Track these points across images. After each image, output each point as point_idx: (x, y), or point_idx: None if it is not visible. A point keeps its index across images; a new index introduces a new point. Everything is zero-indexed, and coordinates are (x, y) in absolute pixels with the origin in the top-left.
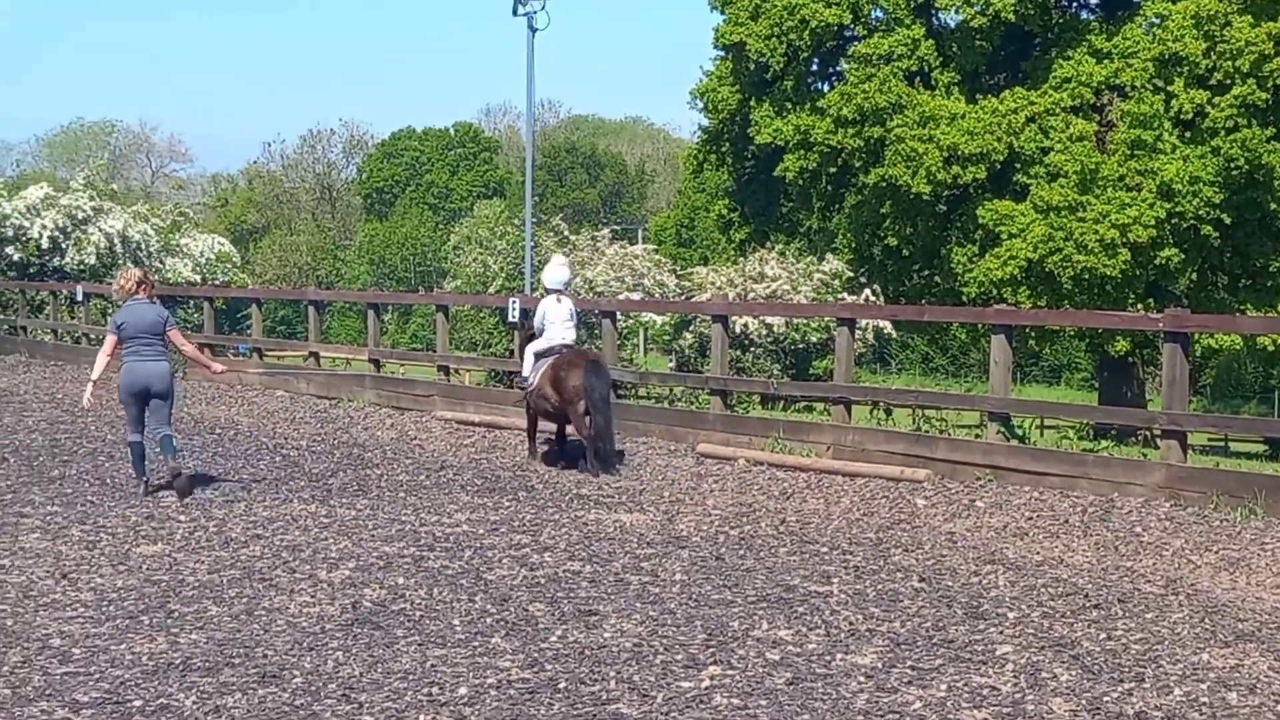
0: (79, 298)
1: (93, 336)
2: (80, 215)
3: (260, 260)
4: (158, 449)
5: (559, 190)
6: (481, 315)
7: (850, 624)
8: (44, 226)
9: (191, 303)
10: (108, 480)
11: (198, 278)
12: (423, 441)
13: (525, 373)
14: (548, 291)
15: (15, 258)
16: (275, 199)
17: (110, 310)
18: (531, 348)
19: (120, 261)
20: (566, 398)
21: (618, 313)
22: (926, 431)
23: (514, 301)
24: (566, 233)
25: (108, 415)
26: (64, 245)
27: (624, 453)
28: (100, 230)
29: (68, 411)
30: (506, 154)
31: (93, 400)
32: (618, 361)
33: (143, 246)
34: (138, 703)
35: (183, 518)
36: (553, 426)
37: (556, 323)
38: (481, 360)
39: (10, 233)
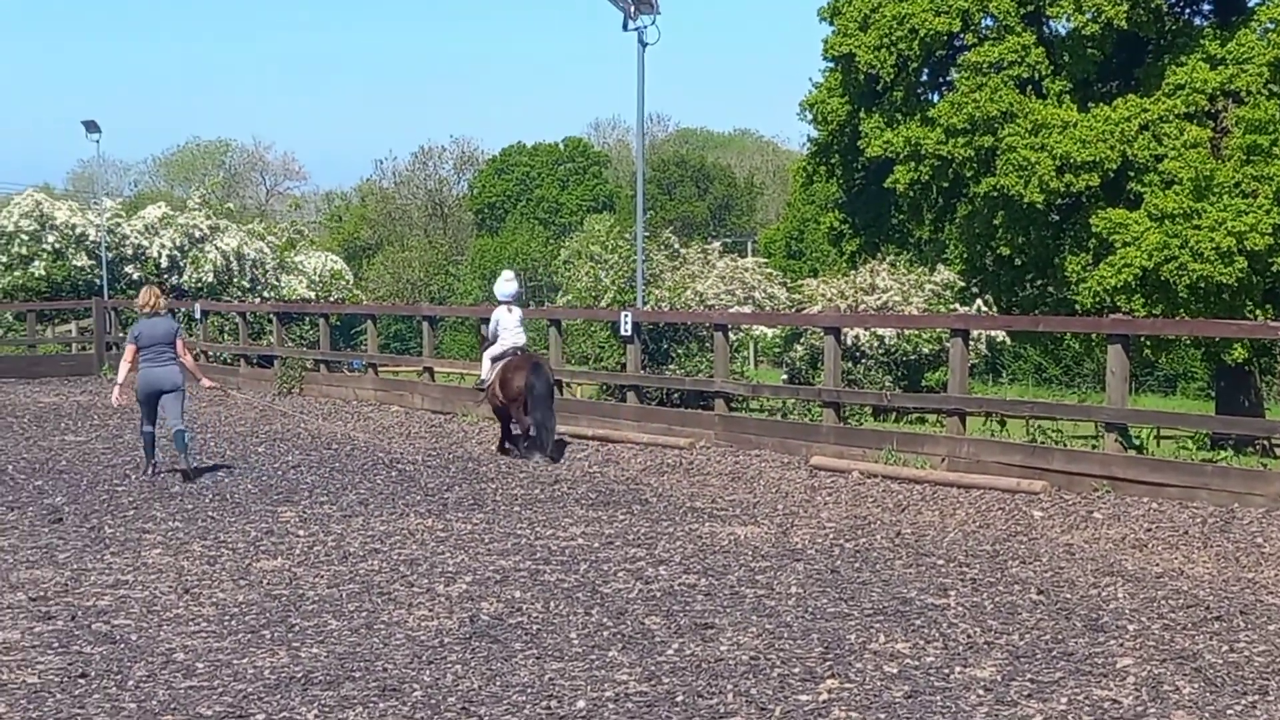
0: (197, 315)
1: (211, 354)
2: (197, 234)
3: (373, 276)
4: (172, 443)
5: (668, 203)
6: (593, 329)
7: (968, 637)
8: (162, 245)
9: (307, 319)
10: (227, 496)
11: (312, 294)
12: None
13: (484, 375)
14: (499, 303)
15: (135, 276)
16: (387, 215)
17: (223, 325)
18: (489, 353)
19: (236, 279)
20: (510, 396)
21: (729, 325)
22: (1042, 442)
23: (626, 315)
24: (677, 246)
25: (226, 432)
26: (182, 263)
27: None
28: (217, 248)
29: (186, 429)
30: (616, 168)
31: (121, 400)
32: (728, 374)
33: (259, 264)
34: (260, 717)
35: (301, 533)
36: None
37: (509, 329)
38: (594, 374)
39: (129, 252)
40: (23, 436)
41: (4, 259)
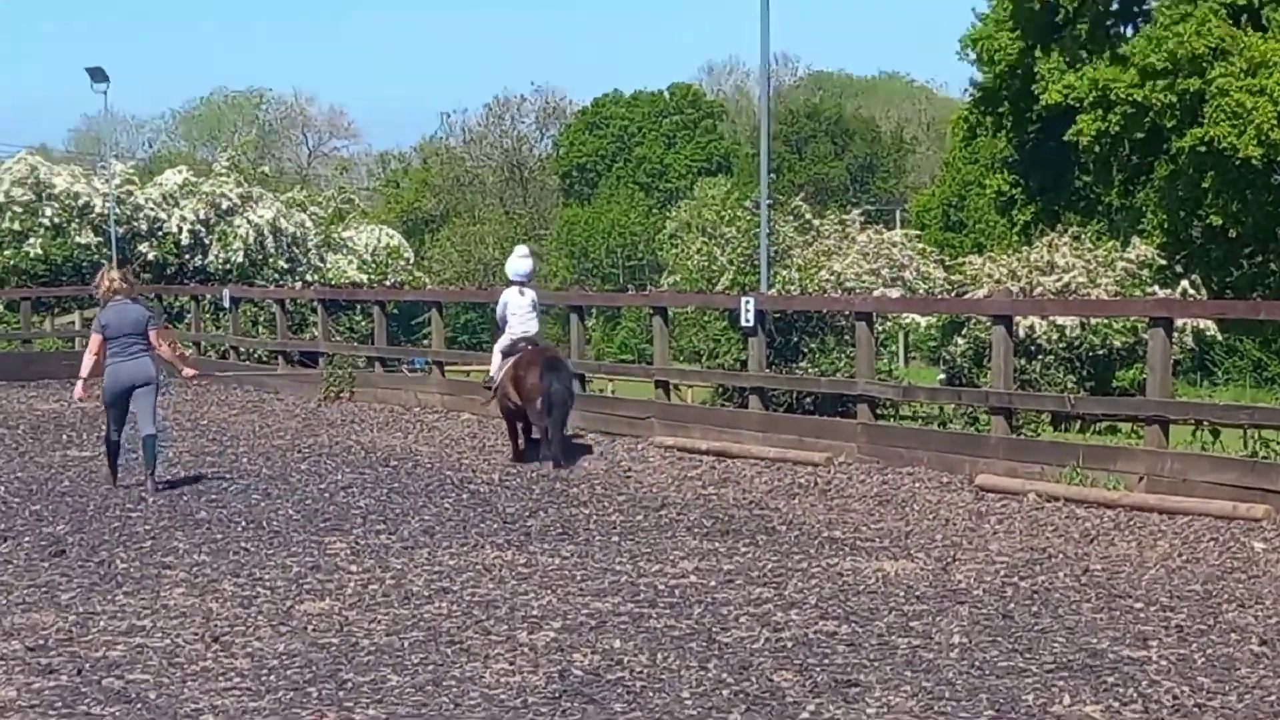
0: (225, 303)
1: (243, 350)
2: (225, 204)
3: (438, 255)
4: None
5: (798, 164)
6: (707, 318)
7: (1174, 698)
8: (183, 219)
9: (358, 308)
10: (264, 524)
11: (364, 277)
12: (638, 474)
13: (493, 372)
14: (510, 283)
15: (150, 256)
16: (455, 181)
17: (257, 315)
18: (497, 346)
19: (273, 259)
20: (525, 396)
21: (874, 313)
22: (1264, 458)
23: (748, 301)
24: (809, 216)
25: (261, 445)
26: (207, 241)
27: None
28: (249, 222)
29: (215, 441)
30: (734, 121)
31: (85, 394)
32: (873, 374)
33: (299, 240)
34: None
35: (354, 568)
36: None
37: (518, 314)
38: (707, 374)
39: (144, 227)
40: (16, 452)
41: None
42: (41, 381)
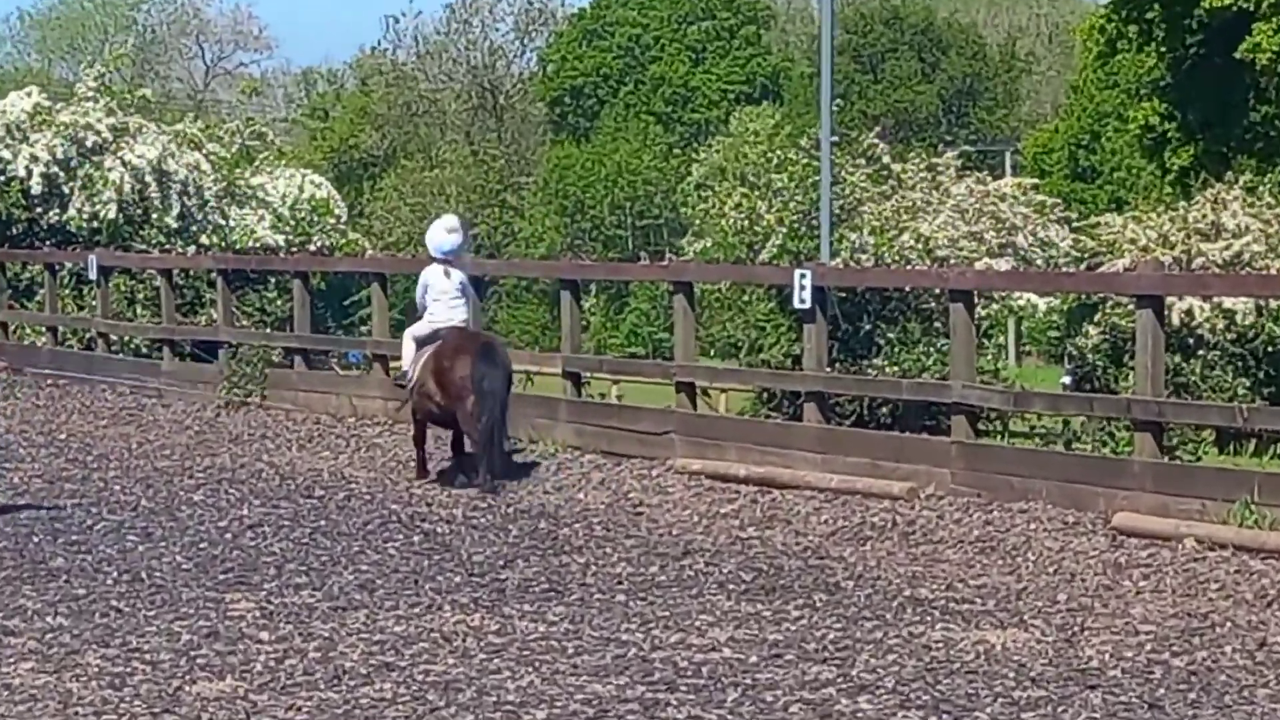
0: (92, 274)
1: (115, 339)
2: (91, 140)
3: (382, 211)
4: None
5: (872, 89)
6: (747, 299)
7: None
8: (34, 159)
9: (273, 281)
10: (143, 575)
11: (281, 239)
12: (653, 509)
13: (405, 365)
14: (433, 259)
15: None
16: (405, 110)
17: (135, 290)
18: (411, 332)
19: (157, 215)
20: (453, 393)
21: (975, 292)
22: None
23: (804, 275)
24: (886, 159)
25: (139, 468)
26: (66, 189)
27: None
28: (124, 164)
29: (75, 462)
30: (784, 30)
31: None
32: (973, 374)
33: (193, 189)
34: None
35: (265, 636)
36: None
37: (442, 299)
38: (747, 373)
39: None
40: None
41: None
42: None
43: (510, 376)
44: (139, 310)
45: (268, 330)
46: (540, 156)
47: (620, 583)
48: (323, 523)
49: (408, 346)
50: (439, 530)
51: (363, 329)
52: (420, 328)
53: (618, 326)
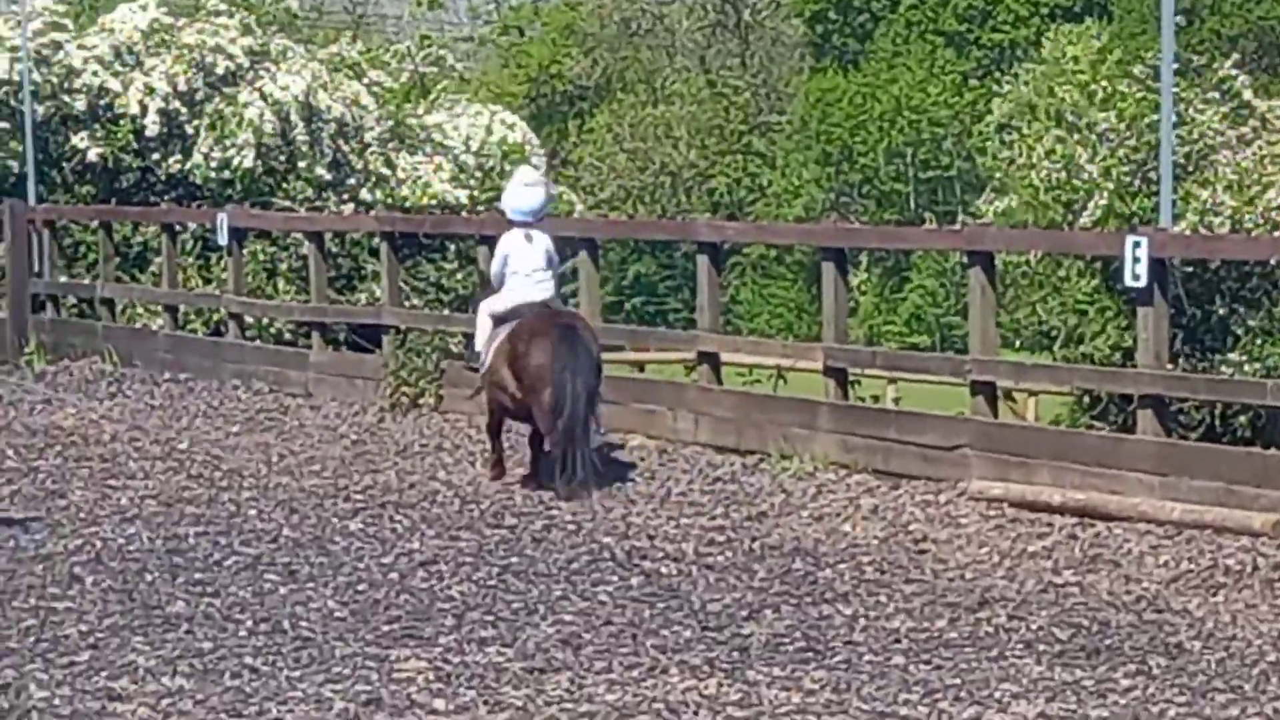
0: (222, 238)
1: (250, 321)
2: (223, 67)
3: (593, 157)
4: None
5: (1228, 3)
6: (1063, 273)
7: None
8: (149, 91)
9: (452, 248)
10: (285, 626)
11: (463, 194)
12: (941, 546)
13: (479, 346)
14: (512, 223)
15: (92, 156)
16: (623, 28)
17: (276, 259)
18: (487, 306)
19: (305, 163)
20: (528, 384)
21: None
22: None
23: (1137, 244)
24: (1247, 92)
25: (281, 488)
26: (190, 130)
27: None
28: (264, 98)
29: (200, 479)
30: None
31: None
32: None
33: (351, 130)
34: None
35: (440, 704)
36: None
37: (522, 271)
38: (1061, 370)
39: (81, 105)
40: None
41: None
42: None
43: (598, 364)
44: (281, 285)
45: (445, 312)
46: (796, 89)
47: (897, 640)
48: (515, 560)
49: (483, 324)
50: (663, 570)
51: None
52: (498, 302)
53: (895, 309)
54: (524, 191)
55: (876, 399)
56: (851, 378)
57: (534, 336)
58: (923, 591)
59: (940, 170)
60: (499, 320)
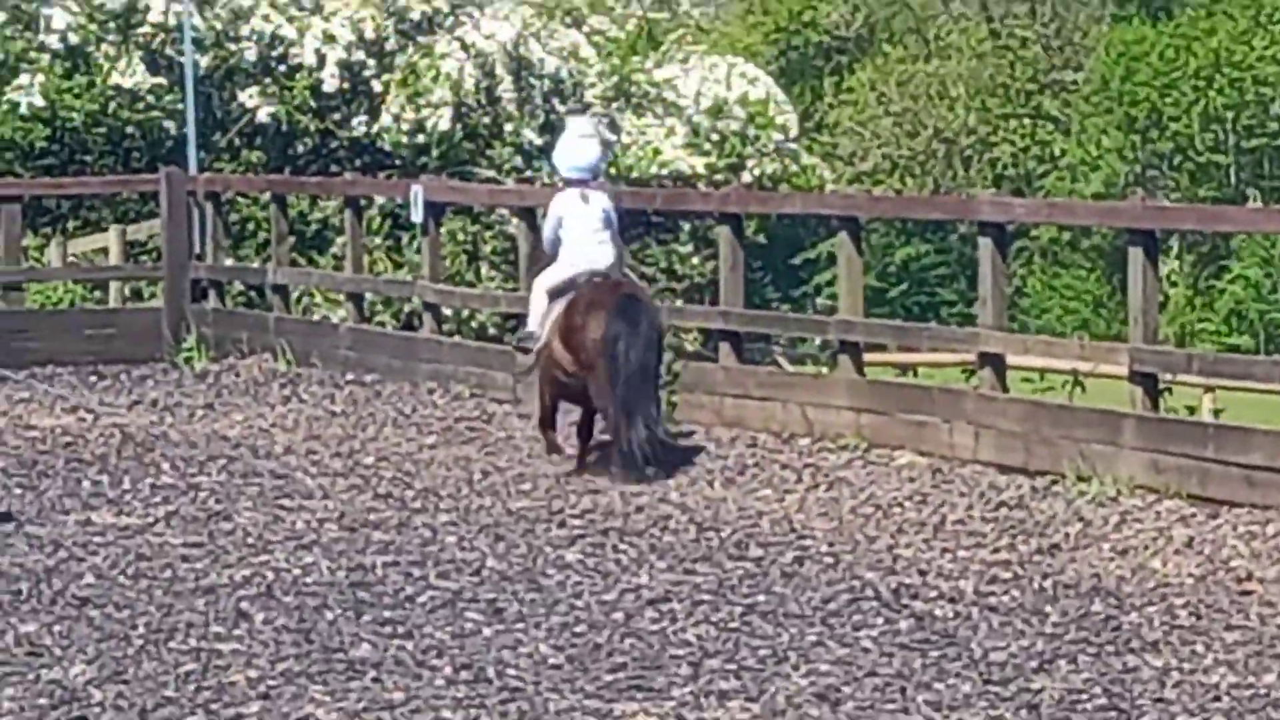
0: (416, 214)
1: (448, 312)
2: (417, 11)
3: (853, 121)
4: None
5: None
6: None
7: None
8: (329, 39)
9: (686, 228)
10: (489, 674)
11: (700, 162)
12: (1268, 586)
13: (532, 324)
14: (566, 183)
15: (263, 116)
16: None
17: (478, 239)
18: (542, 281)
19: (513, 125)
20: (584, 359)
21: None
22: None
23: None
24: None
25: (483, 508)
26: (377, 86)
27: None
28: (465, 47)
29: (389, 499)
30: None
31: None
32: None
33: (566, 85)
34: None
35: None
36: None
37: (579, 236)
38: None
39: (250, 56)
40: None
41: None
42: (38, 366)
43: (660, 338)
44: (485, 270)
45: (678, 304)
46: (1095, 41)
47: (1217, 699)
48: (761, 598)
49: (537, 300)
50: (937, 612)
51: (819, 300)
52: (554, 274)
53: (1212, 305)
54: (578, 145)
55: (1192, 410)
56: (1162, 385)
57: (591, 309)
58: (1247, 640)
59: (1267, 139)
60: (555, 294)
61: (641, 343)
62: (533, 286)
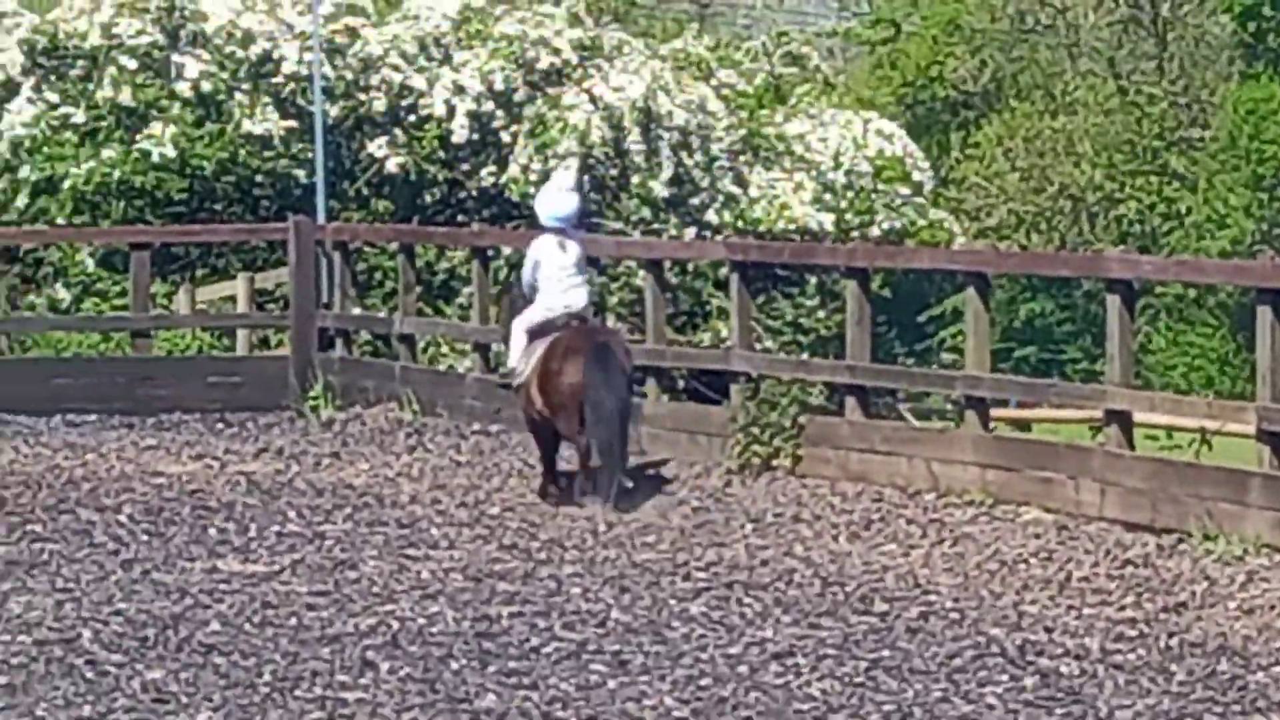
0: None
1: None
2: (546, 63)
3: (979, 176)
4: None
5: None
6: None
7: None
8: (458, 91)
9: (813, 282)
10: None
11: (828, 218)
12: None
13: (513, 361)
14: (544, 229)
15: (391, 168)
16: (1018, 23)
17: (604, 291)
18: (521, 322)
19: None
20: (557, 400)
21: None
22: None
23: None
24: None
25: (604, 558)
26: (505, 137)
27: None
28: (593, 99)
29: (514, 550)
30: None
31: None
32: None
33: (694, 139)
34: None
35: None
36: None
37: (555, 278)
38: None
39: (380, 105)
40: (119, 561)
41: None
42: (166, 414)
43: (631, 382)
44: (611, 322)
45: (804, 357)
46: (1223, 98)
47: None
48: (886, 653)
49: (516, 338)
50: (1063, 670)
51: (944, 356)
52: (532, 315)
53: None
54: (558, 197)
55: None
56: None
57: (568, 355)
58: None
59: None
60: (534, 334)
61: (617, 389)
62: (511, 327)
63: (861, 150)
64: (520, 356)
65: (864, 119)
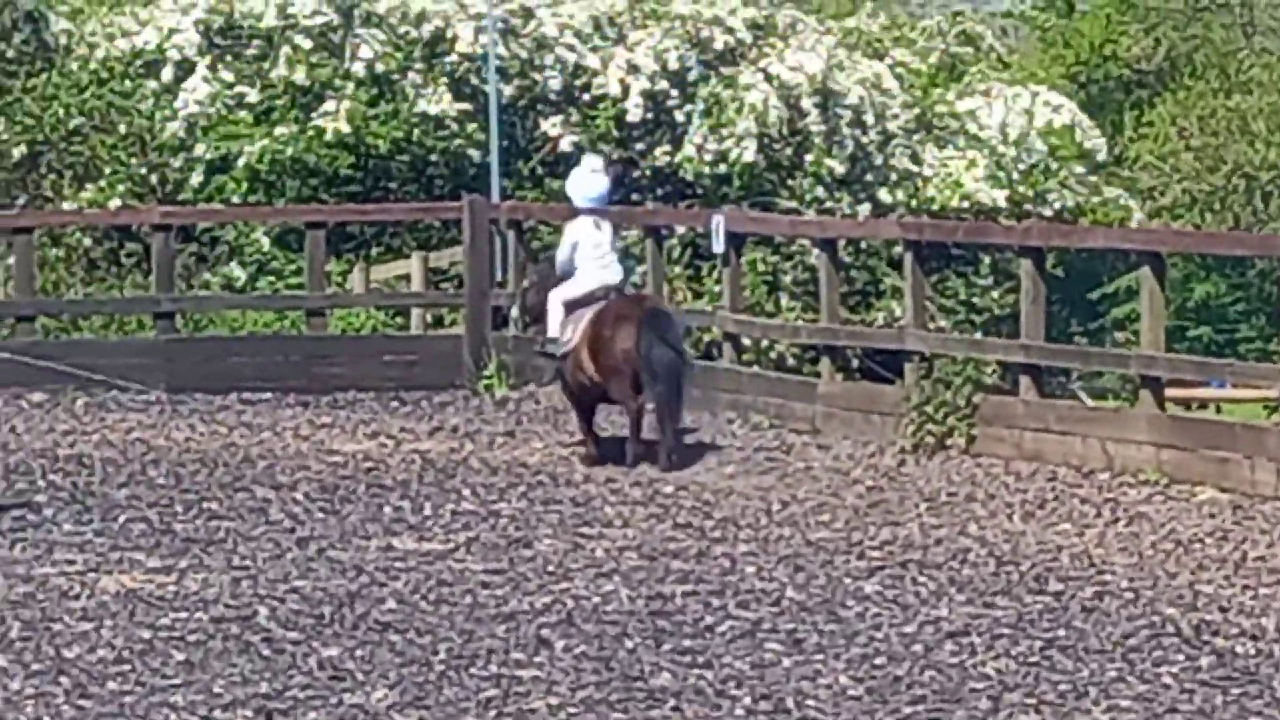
0: (718, 244)
1: (747, 342)
2: (721, 42)
3: (1152, 154)
4: None
5: None
6: None
7: None
8: (632, 70)
9: (986, 261)
10: (789, 704)
11: (1001, 195)
12: None
13: (553, 331)
14: (577, 211)
15: (565, 146)
16: (1190, 6)
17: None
18: (559, 294)
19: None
20: (609, 366)
21: None
22: None
23: None
24: None
25: (778, 537)
26: (680, 116)
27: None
28: (770, 78)
29: (687, 528)
30: None
31: None
32: None
33: (869, 117)
34: None
35: None
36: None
37: (593, 257)
38: None
39: (554, 85)
40: (294, 538)
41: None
42: (340, 391)
43: (684, 347)
44: (784, 301)
45: (977, 335)
46: None
47: None
48: (1061, 632)
49: (555, 310)
50: (1239, 650)
51: (1116, 334)
52: (570, 289)
53: None
54: (590, 179)
55: None
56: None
57: (620, 321)
58: None
59: None
60: (573, 306)
61: (670, 354)
62: (549, 300)
63: (1031, 121)
64: (563, 326)
65: (1032, 91)
